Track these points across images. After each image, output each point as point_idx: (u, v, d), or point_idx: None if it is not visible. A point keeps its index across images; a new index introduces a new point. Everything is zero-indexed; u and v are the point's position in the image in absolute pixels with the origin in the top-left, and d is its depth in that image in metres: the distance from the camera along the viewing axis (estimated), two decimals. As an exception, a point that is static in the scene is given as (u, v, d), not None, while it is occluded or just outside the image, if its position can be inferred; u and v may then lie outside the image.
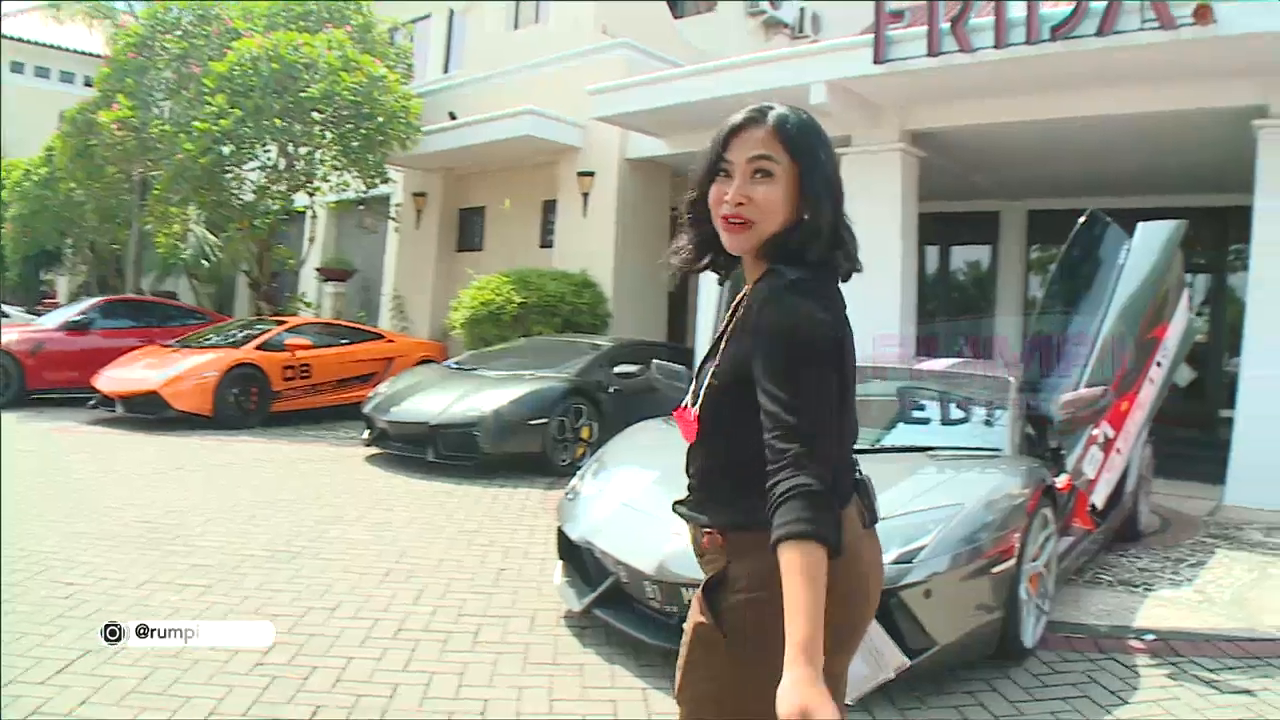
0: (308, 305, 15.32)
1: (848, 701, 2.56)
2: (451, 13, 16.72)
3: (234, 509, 6.05)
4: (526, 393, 7.93)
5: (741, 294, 1.71)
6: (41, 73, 27.92)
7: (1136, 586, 4.99)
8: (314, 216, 15.10)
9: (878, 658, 3.18)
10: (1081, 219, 5.23)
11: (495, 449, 7.65)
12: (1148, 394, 5.34)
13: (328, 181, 13.27)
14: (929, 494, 3.80)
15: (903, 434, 5.06)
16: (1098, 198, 9.56)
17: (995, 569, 3.62)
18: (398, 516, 6.12)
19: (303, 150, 12.99)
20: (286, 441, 9.11)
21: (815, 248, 1.62)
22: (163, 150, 13.02)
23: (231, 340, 10.74)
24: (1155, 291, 5.23)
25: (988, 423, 4.94)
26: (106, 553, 4.90)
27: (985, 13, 7.82)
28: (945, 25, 7.85)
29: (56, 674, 3.33)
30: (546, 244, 13.39)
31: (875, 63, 8.30)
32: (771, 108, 1.66)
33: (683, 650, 1.74)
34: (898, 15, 8.40)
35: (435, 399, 8.08)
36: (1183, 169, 9.95)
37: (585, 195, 12.41)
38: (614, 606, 3.90)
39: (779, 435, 1.45)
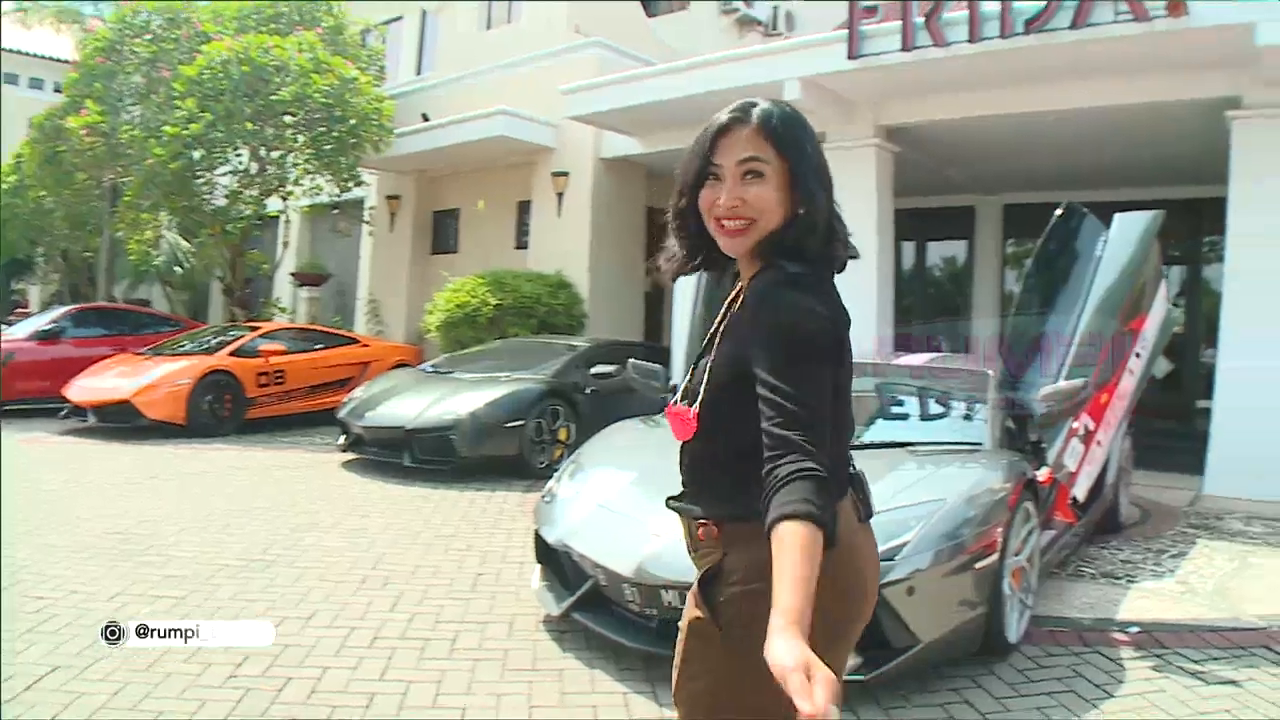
0: (282, 310, 15.16)
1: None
2: (424, 14, 16.62)
3: (208, 518, 5.96)
4: (503, 395, 7.87)
5: (737, 290, 1.71)
6: (10, 79, 27.56)
7: (1119, 579, 4.99)
8: (287, 221, 15.00)
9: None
10: (1058, 211, 5.21)
11: (472, 452, 7.59)
12: (1127, 385, 5.34)
13: (300, 185, 13.16)
14: (910, 490, 3.78)
15: (882, 429, 5.04)
16: (1073, 191, 9.59)
17: (978, 564, 3.60)
18: (374, 522, 6.04)
19: (275, 154, 12.87)
20: (261, 448, 9.00)
21: (812, 241, 1.61)
22: (133, 156, 12.82)
23: (205, 347, 10.60)
24: (1133, 283, 5.22)
25: (967, 417, 4.93)
26: (78, 565, 4.81)
27: (959, 7, 7.83)
28: (919, 20, 7.87)
29: (24, 691, 3.25)
30: (521, 245, 13.32)
31: (849, 58, 8.30)
32: (754, 104, 1.65)
33: (678, 649, 1.72)
34: (871, 10, 8.41)
35: (411, 403, 8.01)
36: (1157, 161, 10.01)
37: (560, 195, 12.35)
38: (593, 610, 3.84)
39: (780, 423, 1.43)
